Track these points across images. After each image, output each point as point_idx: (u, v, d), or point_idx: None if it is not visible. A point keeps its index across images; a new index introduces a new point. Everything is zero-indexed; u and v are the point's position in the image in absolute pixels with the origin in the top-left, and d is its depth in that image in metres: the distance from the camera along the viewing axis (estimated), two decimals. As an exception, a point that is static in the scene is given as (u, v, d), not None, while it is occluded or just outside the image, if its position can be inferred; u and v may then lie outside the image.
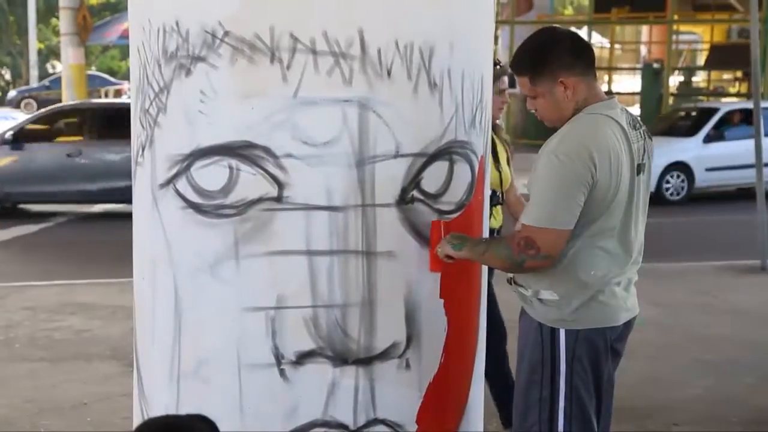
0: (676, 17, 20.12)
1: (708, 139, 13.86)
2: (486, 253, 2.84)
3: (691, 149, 13.64)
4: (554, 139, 2.79)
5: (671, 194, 13.53)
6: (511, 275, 2.94)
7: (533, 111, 2.92)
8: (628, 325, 2.96)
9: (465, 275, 2.96)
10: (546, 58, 2.81)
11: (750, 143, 10.45)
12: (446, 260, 2.81)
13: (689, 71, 27.72)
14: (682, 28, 25.30)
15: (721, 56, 23.56)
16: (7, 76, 40.83)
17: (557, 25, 2.96)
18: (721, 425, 4.75)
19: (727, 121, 14.18)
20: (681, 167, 13.52)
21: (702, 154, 13.63)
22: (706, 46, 27.28)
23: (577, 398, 2.86)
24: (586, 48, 2.91)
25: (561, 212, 2.72)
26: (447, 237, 2.81)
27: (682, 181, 13.58)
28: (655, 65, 20.56)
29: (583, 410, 2.88)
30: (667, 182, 13.46)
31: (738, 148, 13.13)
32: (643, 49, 30.56)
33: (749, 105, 11.00)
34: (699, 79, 27.85)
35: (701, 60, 29.61)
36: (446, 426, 2.96)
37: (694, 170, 13.53)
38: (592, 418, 2.91)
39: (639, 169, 2.88)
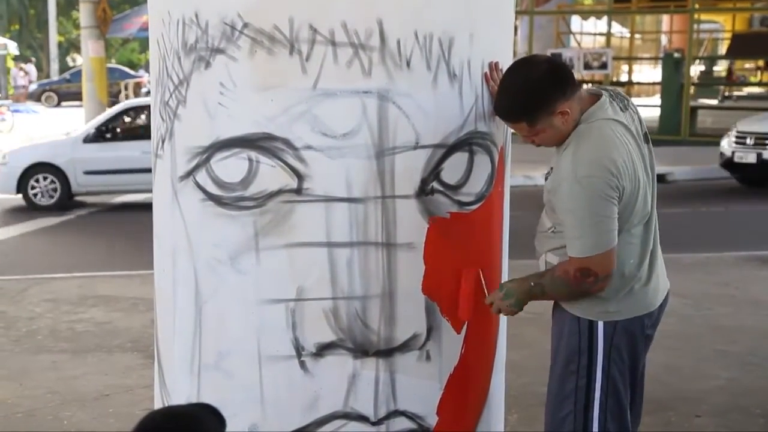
0: (697, 6, 19.94)
1: (90, 139, 12.21)
2: (545, 294, 2.86)
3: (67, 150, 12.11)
4: (566, 161, 2.75)
5: (40, 198, 11.98)
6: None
7: (530, 143, 2.89)
8: (662, 307, 2.97)
9: (485, 267, 2.95)
10: (538, 98, 2.72)
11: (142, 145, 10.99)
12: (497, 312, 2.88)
13: (711, 60, 27.52)
14: (704, 16, 25.10)
15: (743, 45, 23.38)
16: (28, 69, 41.04)
17: (525, 55, 2.84)
18: (744, 417, 4.73)
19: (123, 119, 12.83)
20: (51, 169, 12.00)
21: (80, 157, 12.02)
22: (728, 35, 27.07)
23: (614, 390, 2.87)
24: (564, 67, 2.84)
25: (603, 235, 2.71)
26: (496, 292, 2.84)
27: (54, 184, 12.03)
28: (676, 55, 20.40)
29: (618, 402, 2.88)
30: (37, 182, 11.92)
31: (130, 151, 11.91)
32: (664, 39, 30.36)
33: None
34: (720, 68, 27.65)
35: (723, 49, 29.41)
36: (467, 417, 2.95)
37: (67, 174, 11.97)
38: (626, 410, 2.91)
39: (645, 138, 2.89)
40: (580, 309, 2.85)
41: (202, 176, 2.72)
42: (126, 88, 23.76)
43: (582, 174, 2.69)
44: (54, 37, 36.54)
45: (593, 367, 2.85)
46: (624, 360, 2.87)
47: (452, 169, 2.77)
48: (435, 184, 2.74)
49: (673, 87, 18.76)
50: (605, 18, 22.18)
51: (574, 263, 2.75)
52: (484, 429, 3.02)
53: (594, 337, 2.84)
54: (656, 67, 27.00)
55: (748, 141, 12.88)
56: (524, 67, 2.80)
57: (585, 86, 3.03)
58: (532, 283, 2.84)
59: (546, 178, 2.89)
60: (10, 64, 36.11)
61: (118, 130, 12.48)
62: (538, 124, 2.75)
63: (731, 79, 26.22)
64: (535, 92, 2.72)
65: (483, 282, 2.84)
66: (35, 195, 12.00)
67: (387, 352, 2.74)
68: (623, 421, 2.90)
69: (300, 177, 2.64)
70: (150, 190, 10.52)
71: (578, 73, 18.72)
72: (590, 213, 2.70)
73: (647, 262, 2.87)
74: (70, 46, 41.10)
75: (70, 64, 39.67)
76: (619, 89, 3.02)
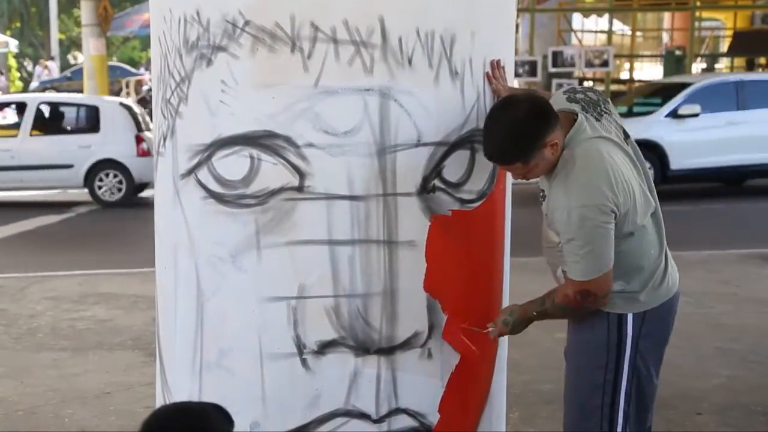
0: (698, 3, 19.90)
1: None
2: (546, 317, 2.91)
3: None
4: (558, 191, 2.77)
5: None
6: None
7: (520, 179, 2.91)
8: (677, 294, 3.01)
9: (486, 266, 2.95)
10: (529, 137, 2.73)
11: None
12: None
13: (712, 58, 27.48)
14: (705, 14, 25.07)
15: (745, 42, 23.33)
16: (30, 68, 41.06)
17: (509, 93, 2.84)
18: (745, 414, 4.73)
19: None
20: None
21: None
22: (729, 32, 27.04)
23: (638, 380, 2.92)
24: (544, 100, 2.85)
25: (600, 259, 2.76)
26: (501, 326, 2.86)
27: None
28: (678, 52, 20.39)
29: (640, 392, 2.93)
30: None
31: None
32: (665, 36, 30.34)
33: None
34: (722, 65, 27.61)
35: (724, 47, 29.36)
36: (468, 415, 2.95)
37: None
38: (648, 402, 2.98)
39: (625, 135, 2.93)
40: (610, 305, 2.87)
41: (203, 174, 2.72)
42: (127, 86, 23.75)
43: (574, 204, 2.73)
44: (55, 35, 36.51)
45: (621, 360, 2.90)
46: (651, 348, 2.93)
47: (454, 167, 2.77)
48: (437, 182, 2.74)
49: (674, 85, 18.71)
50: (606, 15, 22.13)
51: (574, 286, 2.80)
52: (485, 427, 3.02)
53: (623, 330, 2.89)
54: (658, 64, 26.96)
55: None
56: (508, 109, 2.76)
57: (556, 88, 3.05)
58: (535, 313, 2.90)
59: (541, 201, 2.91)
60: (12, 62, 36.09)
61: None
62: (532, 161, 2.76)
63: None
64: (525, 132, 2.72)
65: (472, 327, 2.86)
66: None
67: (388, 350, 2.74)
68: (640, 410, 2.96)
69: (301, 175, 2.64)
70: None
71: (580, 71, 18.70)
72: (588, 240, 2.74)
73: (664, 249, 2.94)
74: (72, 44, 41.06)
75: (72, 62, 39.63)
76: (590, 85, 3.03)
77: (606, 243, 2.75)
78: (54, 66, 36.05)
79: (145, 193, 12.73)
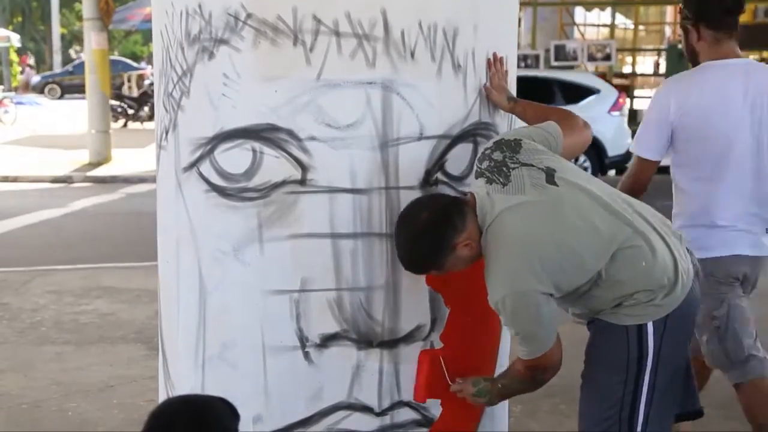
0: (701, -3, 19.87)
1: None
2: (512, 392, 2.85)
3: None
4: (488, 284, 2.63)
5: None
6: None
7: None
8: (694, 289, 2.80)
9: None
10: (433, 251, 2.59)
11: None
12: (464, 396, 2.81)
13: (714, 52, 27.38)
14: (708, 8, 24.98)
15: (747, 36, 23.23)
16: (31, 62, 41.09)
17: (412, 200, 2.65)
18: (747, 408, 4.71)
19: None
20: None
21: None
22: (732, 26, 26.98)
23: (660, 388, 2.77)
24: (448, 203, 2.63)
25: (539, 340, 2.66)
26: (468, 386, 2.78)
27: None
28: (680, 46, 20.34)
29: (662, 400, 2.79)
30: None
31: None
32: (668, 30, 30.29)
33: None
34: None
35: (727, 41, 29.24)
36: (471, 409, 2.95)
37: None
38: (670, 410, 2.86)
39: (549, 176, 2.65)
40: (627, 318, 2.71)
41: (205, 167, 2.72)
42: (129, 80, 23.76)
43: (497, 296, 2.60)
44: (57, 29, 36.57)
45: (642, 374, 2.74)
46: (675, 353, 2.77)
47: (456, 161, 2.76)
48: (439, 176, 2.74)
49: (677, 78, 18.69)
50: (609, 9, 22.11)
51: (521, 362, 2.72)
52: (488, 420, 3.02)
53: (644, 343, 2.72)
54: (660, 58, 26.96)
55: None
56: (405, 224, 2.62)
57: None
58: (500, 385, 2.81)
59: None
60: (14, 57, 36.11)
61: None
62: (446, 266, 2.64)
63: None
64: (427, 246, 2.58)
65: (444, 367, 2.78)
66: None
67: (391, 343, 2.74)
68: (667, 422, 2.85)
69: (304, 168, 2.64)
70: None
71: (582, 65, 18.69)
72: (520, 328, 2.65)
73: (661, 244, 2.70)
74: (73, 38, 41.11)
75: (73, 56, 39.67)
76: (502, 139, 2.71)
77: (540, 323, 2.63)
78: None
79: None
